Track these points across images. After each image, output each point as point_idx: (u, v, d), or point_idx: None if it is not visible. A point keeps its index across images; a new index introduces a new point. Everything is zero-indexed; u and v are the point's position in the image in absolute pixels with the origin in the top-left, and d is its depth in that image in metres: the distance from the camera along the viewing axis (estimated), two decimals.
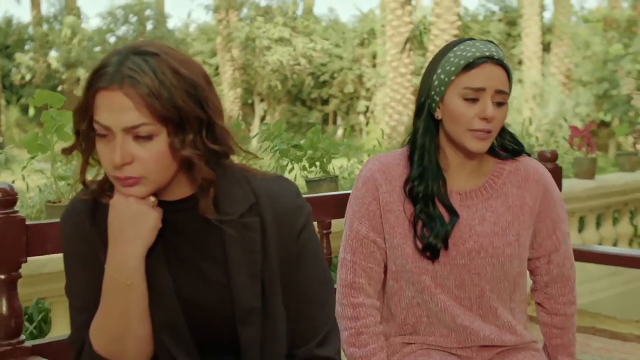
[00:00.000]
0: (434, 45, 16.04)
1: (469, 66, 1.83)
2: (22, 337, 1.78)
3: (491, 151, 1.97)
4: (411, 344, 1.98)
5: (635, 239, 5.17)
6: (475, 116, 1.84)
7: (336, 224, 2.37)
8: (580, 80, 18.83)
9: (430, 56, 16.37)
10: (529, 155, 2.02)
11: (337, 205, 2.27)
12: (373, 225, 1.94)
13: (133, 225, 1.43)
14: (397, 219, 1.92)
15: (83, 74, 24.07)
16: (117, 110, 1.37)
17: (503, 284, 1.94)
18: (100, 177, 1.51)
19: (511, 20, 23.91)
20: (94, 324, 1.49)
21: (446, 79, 1.86)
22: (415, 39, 18.48)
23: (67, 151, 1.47)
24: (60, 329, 2.62)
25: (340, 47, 26.48)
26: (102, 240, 1.48)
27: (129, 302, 1.45)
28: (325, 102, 27.56)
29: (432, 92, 1.89)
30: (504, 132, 1.98)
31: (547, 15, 21.11)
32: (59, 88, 24.10)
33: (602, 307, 3.76)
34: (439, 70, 1.88)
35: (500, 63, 1.85)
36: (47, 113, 2.54)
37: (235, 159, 1.54)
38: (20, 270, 1.78)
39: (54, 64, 24.79)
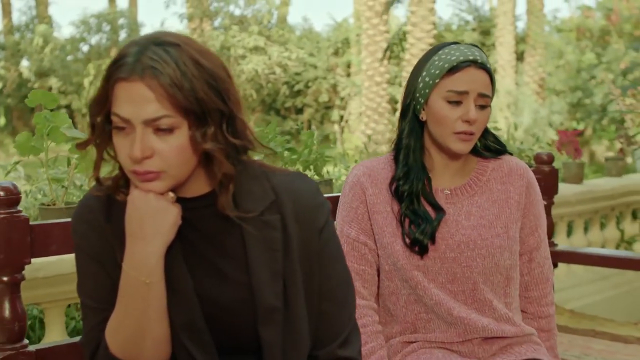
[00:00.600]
0: (410, 54, 16.03)
1: (453, 70, 1.89)
2: (26, 341, 1.73)
3: (475, 151, 2.01)
4: (412, 342, 1.98)
5: (622, 243, 5.20)
6: (459, 118, 1.89)
7: None
8: (553, 89, 18.99)
9: (406, 65, 16.37)
10: (511, 154, 2.06)
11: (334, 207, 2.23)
12: (362, 228, 1.96)
13: (153, 222, 1.38)
14: (385, 219, 1.95)
15: (55, 83, 23.80)
16: (138, 101, 1.32)
17: (496, 276, 1.95)
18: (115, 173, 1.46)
19: (485, 30, 24.00)
20: (110, 325, 1.44)
21: (431, 82, 1.91)
22: (395, 47, 18.47)
23: (81, 145, 1.42)
24: (55, 335, 2.56)
25: (314, 56, 26.39)
26: (118, 237, 1.42)
27: (148, 301, 1.39)
28: (299, 111, 27.47)
29: (417, 95, 1.94)
30: (487, 133, 2.03)
31: (521, 25, 21.23)
32: None
33: (593, 311, 3.76)
34: (424, 73, 1.93)
35: (483, 67, 1.90)
36: (39, 114, 2.48)
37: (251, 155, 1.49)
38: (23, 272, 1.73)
39: (26, 73, 24.45)
